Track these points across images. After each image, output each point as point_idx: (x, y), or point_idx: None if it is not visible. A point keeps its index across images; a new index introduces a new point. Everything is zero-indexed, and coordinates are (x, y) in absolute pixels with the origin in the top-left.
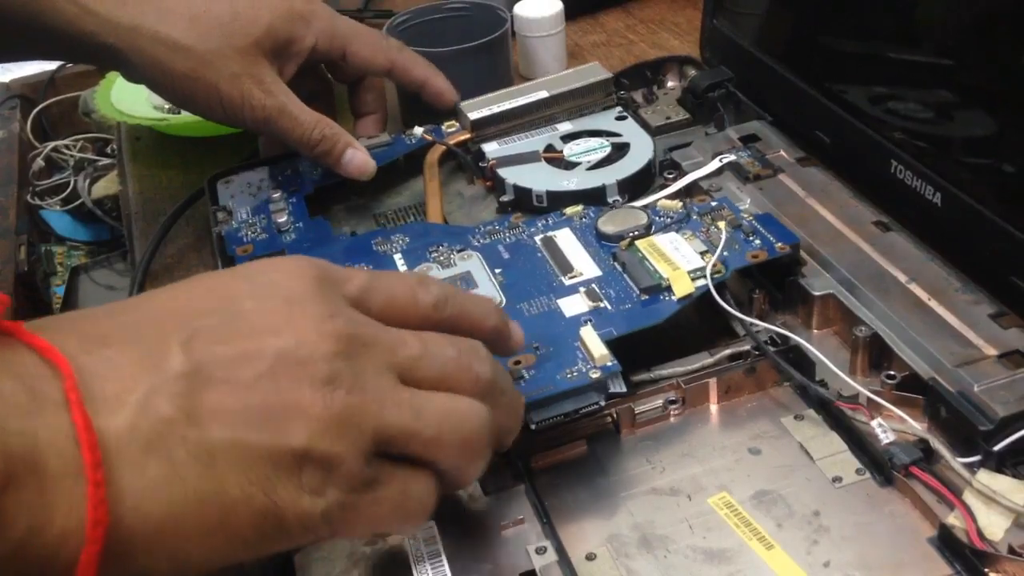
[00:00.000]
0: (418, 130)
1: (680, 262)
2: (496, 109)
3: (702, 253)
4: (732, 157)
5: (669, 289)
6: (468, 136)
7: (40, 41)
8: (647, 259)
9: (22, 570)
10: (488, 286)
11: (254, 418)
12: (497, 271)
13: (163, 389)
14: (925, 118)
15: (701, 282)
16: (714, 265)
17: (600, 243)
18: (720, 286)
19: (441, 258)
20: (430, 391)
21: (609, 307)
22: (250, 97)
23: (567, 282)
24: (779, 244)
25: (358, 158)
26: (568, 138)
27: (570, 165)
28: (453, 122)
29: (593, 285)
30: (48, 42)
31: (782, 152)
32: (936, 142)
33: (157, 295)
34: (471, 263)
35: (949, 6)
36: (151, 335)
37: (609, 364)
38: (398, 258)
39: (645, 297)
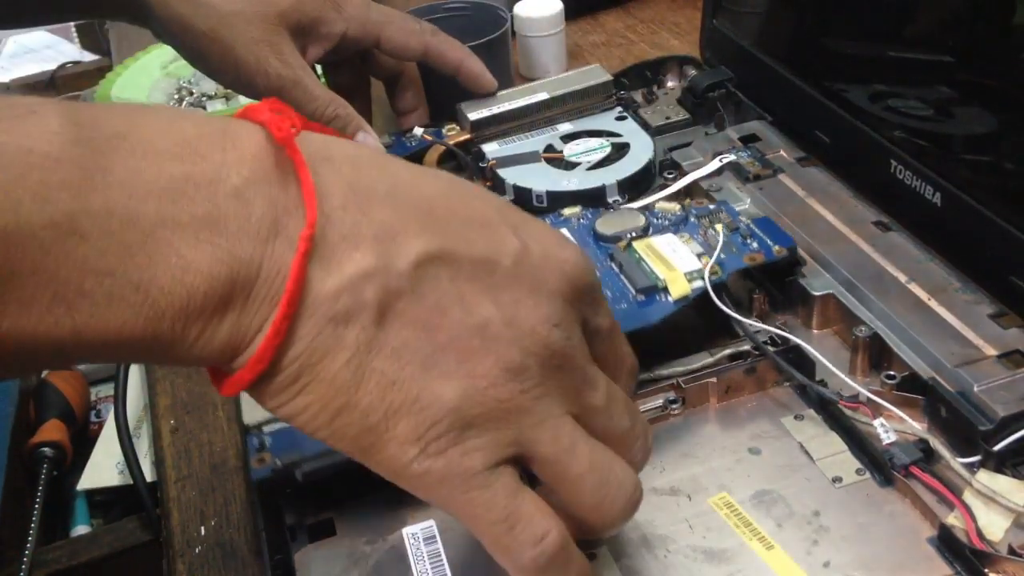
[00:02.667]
0: (418, 131)
1: (677, 263)
2: (496, 110)
3: (699, 255)
4: (732, 157)
5: (666, 290)
6: (468, 137)
7: None
8: (644, 260)
9: (197, 363)
10: None
11: (426, 358)
12: None
13: (378, 280)
14: (925, 117)
15: (698, 284)
16: (711, 268)
17: (598, 244)
18: (718, 288)
19: None
20: (593, 442)
21: None
22: (265, 64)
23: None
24: (776, 247)
25: (369, 142)
26: (568, 138)
27: (570, 165)
28: (453, 124)
29: None
30: None
31: (782, 152)
32: (936, 141)
33: (427, 185)
34: None
35: (949, 4)
36: (401, 226)
37: None
38: None
39: (641, 298)
